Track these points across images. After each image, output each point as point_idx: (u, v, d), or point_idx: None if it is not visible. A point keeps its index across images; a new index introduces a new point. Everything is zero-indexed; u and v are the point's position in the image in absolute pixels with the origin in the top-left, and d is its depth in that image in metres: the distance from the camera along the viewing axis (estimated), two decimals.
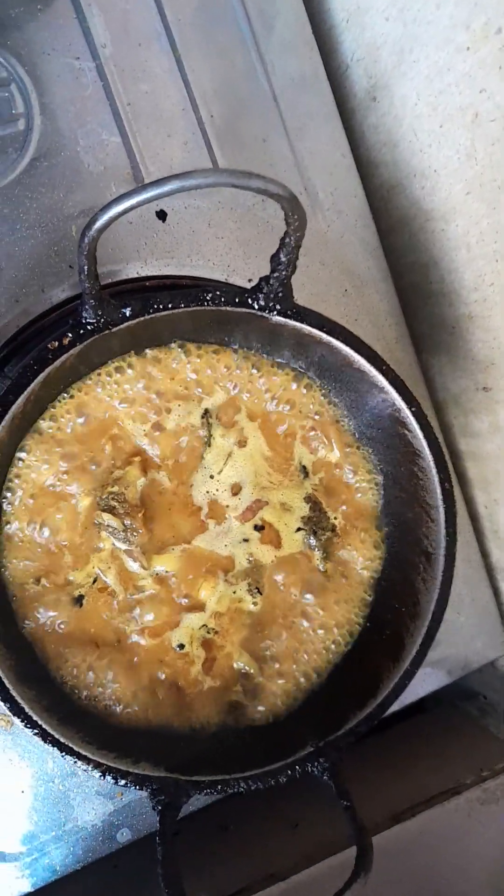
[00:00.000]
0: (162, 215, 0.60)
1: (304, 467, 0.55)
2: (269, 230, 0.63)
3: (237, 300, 0.47)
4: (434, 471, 0.50)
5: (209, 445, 0.53)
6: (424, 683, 0.68)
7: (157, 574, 0.52)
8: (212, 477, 0.53)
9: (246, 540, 0.54)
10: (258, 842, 0.64)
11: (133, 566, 0.52)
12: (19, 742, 0.58)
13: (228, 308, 0.47)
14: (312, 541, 0.54)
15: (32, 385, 0.46)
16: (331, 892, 0.42)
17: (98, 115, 0.59)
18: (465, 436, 0.67)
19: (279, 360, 0.54)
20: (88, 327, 0.46)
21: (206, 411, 0.53)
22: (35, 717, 0.46)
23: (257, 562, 0.54)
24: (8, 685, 0.46)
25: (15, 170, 0.57)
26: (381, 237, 0.66)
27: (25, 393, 0.45)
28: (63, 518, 0.50)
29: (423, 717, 0.79)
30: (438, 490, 0.51)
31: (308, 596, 0.55)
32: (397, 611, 0.54)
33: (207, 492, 0.53)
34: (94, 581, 0.51)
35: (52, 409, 0.50)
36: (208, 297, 0.47)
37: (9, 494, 0.50)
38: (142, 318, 0.46)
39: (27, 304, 0.57)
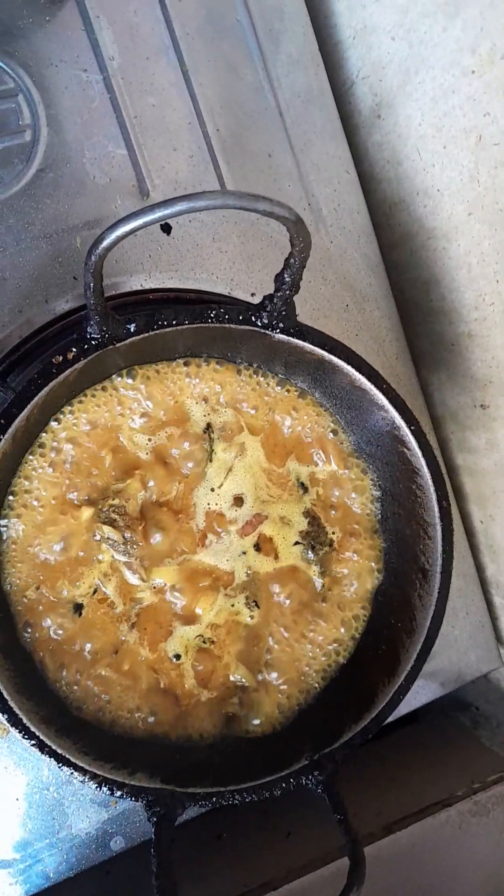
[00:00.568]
0: (167, 228, 0.61)
1: (303, 483, 0.55)
2: (273, 245, 0.63)
3: (241, 318, 0.48)
4: (432, 489, 0.51)
5: (210, 460, 0.53)
6: (418, 695, 0.69)
7: (155, 586, 0.53)
8: (213, 490, 0.54)
9: (245, 553, 0.54)
10: (252, 851, 0.64)
11: (132, 578, 0.52)
12: (15, 750, 0.58)
13: (232, 325, 0.48)
14: (310, 555, 0.55)
15: (36, 399, 0.46)
16: None
17: (104, 127, 0.59)
18: (463, 451, 0.68)
19: (281, 376, 0.54)
20: (93, 342, 0.46)
21: (209, 425, 0.53)
22: (33, 729, 0.46)
23: (255, 575, 0.55)
24: (6, 696, 0.46)
25: (21, 181, 0.57)
26: (382, 253, 0.67)
27: (29, 406, 0.46)
28: (64, 530, 0.51)
29: (417, 728, 0.79)
30: (436, 508, 0.51)
31: (305, 610, 0.55)
32: (393, 626, 0.55)
33: (208, 504, 0.54)
34: (95, 592, 0.52)
35: (55, 423, 0.50)
36: (212, 315, 0.47)
37: (11, 506, 0.50)
38: (146, 334, 0.47)
39: (31, 315, 0.58)
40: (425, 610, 0.52)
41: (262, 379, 0.54)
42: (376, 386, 0.50)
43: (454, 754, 0.73)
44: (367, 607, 0.57)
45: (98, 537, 0.51)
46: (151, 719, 0.53)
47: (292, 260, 0.44)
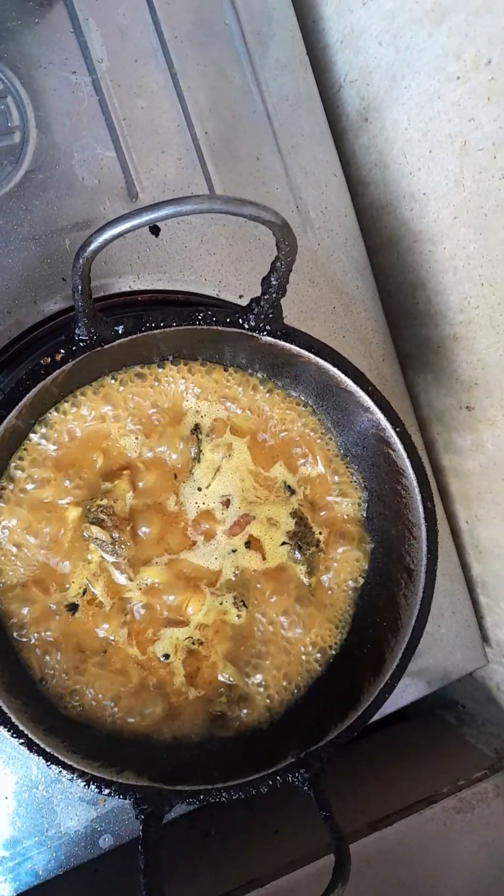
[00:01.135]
0: (155, 230, 0.61)
1: (289, 486, 0.56)
2: (261, 247, 0.63)
3: (228, 320, 0.48)
4: (417, 490, 0.52)
5: (198, 461, 0.54)
6: (404, 694, 0.70)
7: (143, 586, 0.53)
8: (199, 490, 0.54)
9: (234, 551, 0.55)
10: (239, 848, 0.65)
11: (120, 578, 0.53)
12: (3, 749, 0.59)
13: (219, 328, 0.48)
14: (297, 555, 0.56)
15: (24, 400, 0.46)
16: None
17: (93, 129, 0.59)
18: (449, 452, 0.69)
19: (268, 377, 0.55)
20: (81, 344, 0.46)
21: (197, 426, 0.54)
22: (21, 727, 0.47)
23: (243, 575, 0.55)
24: None
25: (9, 182, 0.57)
26: (369, 256, 0.67)
27: (17, 408, 0.46)
28: (52, 530, 0.51)
29: (403, 726, 0.80)
30: (421, 509, 0.52)
31: (292, 609, 0.56)
32: (379, 625, 0.55)
33: (196, 503, 0.54)
34: (84, 592, 0.52)
35: (44, 424, 0.51)
36: (200, 317, 0.48)
37: (0, 505, 0.50)
38: (134, 336, 0.47)
39: (20, 316, 0.58)
40: (410, 609, 0.53)
41: (249, 381, 0.55)
42: (362, 388, 0.51)
43: (440, 752, 0.74)
44: (353, 607, 0.57)
45: (87, 536, 0.51)
46: (139, 718, 0.53)
47: (279, 263, 0.44)
